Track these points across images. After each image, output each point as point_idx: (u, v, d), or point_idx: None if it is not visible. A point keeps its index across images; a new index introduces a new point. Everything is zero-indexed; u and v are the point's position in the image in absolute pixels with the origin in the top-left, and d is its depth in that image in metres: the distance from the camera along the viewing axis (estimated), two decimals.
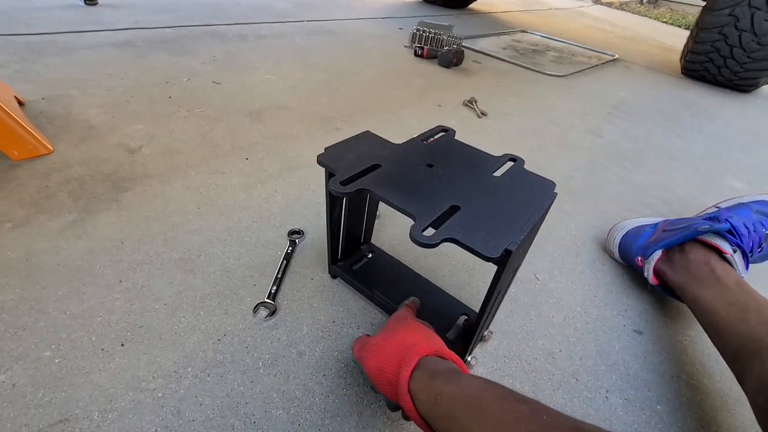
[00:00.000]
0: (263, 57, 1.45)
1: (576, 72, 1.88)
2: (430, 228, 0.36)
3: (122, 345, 0.48)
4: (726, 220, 0.57)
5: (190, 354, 0.48)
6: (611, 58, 2.25)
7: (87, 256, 0.58)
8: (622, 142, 1.23)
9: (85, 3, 1.70)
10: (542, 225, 0.43)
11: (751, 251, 0.57)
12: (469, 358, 0.49)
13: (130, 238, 0.62)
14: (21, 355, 0.45)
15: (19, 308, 0.50)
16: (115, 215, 0.65)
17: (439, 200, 0.39)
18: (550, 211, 0.42)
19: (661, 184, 1.02)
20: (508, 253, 0.34)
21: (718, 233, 0.56)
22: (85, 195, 0.69)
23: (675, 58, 2.53)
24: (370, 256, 0.62)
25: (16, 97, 0.89)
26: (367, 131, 0.50)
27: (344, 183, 0.39)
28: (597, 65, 2.07)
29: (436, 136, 0.51)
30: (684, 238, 0.58)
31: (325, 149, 0.45)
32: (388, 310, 0.55)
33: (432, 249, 0.60)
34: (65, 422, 0.40)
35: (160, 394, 0.43)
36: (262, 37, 1.66)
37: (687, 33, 2.04)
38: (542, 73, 1.78)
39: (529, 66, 1.83)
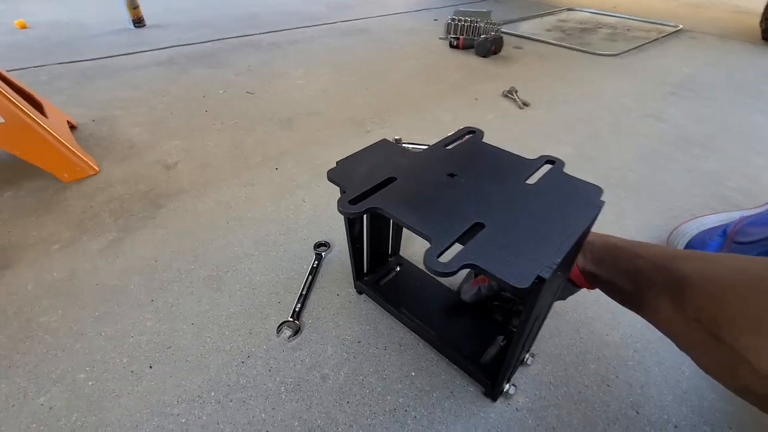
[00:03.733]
0: (296, 63, 1.45)
1: (632, 49, 1.70)
2: (453, 247, 0.32)
3: (150, 367, 0.48)
4: None
5: (214, 377, 0.47)
6: (674, 29, 2.01)
7: (122, 276, 0.59)
8: (689, 126, 1.08)
9: (134, 26, 1.81)
10: (593, 226, 0.36)
11: None
12: (506, 387, 0.44)
13: (162, 256, 0.63)
14: (59, 378, 0.47)
15: (60, 330, 0.52)
16: (150, 233, 0.67)
17: (461, 217, 0.34)
18: (604, 209, 0.36)
19: (741, 172, 0.88)
20: (541, 280, 0.29)
21: None
22: (124, 214, 0.71)
23: (753, 22, 2.21)
24: (398, 269, 0.59)
25: (69, 122, 0.96)
26: (384, 139, 0.46)
27: (354, 201, 0.36)
28: (657, 39, 1.86)
29: (460, 140, 0.46)
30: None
31: (337, 163, 0.42)
32: (417, 330, 0.51)
33: None
34: None
35: (183, 420, 0.43)
36: (295, 42, 1.67)
37: None
38: (592, 53, 1.63)
39: (576, 47, 1.68)
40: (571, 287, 0.43)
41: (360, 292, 0.57)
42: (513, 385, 0.45)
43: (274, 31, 1.81)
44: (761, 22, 1.87)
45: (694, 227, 0.60)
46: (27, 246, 0.64)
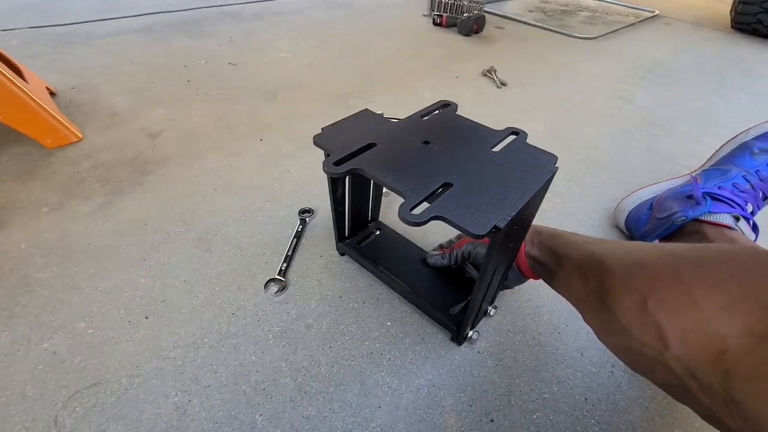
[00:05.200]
0: (279, 35, 1.44)
1: (609, 33, 1.75)
2: (424, 205, 0.36)
3: (146, 318, 0.52)
4: (704, 196, 0.53)
5: (207, 326, 0.51)
6: (650, 14, 2.08)
7: (114, 237, 0.62)
8: (655, 108, 1.15)
9: None
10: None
11: (765, 198, 0.53)
12: (470, 333, 0.50)
13: (152, 220, 0.66)
14: (60, 326, 0.50)
15: (57, 285, 0.55)
16: (138, 198, 0.70)
17: (432, 177, 0.39)
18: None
19: (693, 152, 0.96)
20: (497, 229, 0.34)
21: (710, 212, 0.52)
22: (112, 179, 0.73)
23: (725, 10, 2.30)
24: (377, 233, 0.63)
25: (47, 88, 0.95)
26: (366, 109, 0.50)
27: (338, 163, 0.40)
28: (633, 24, 1.92)
29: (436, 112, 0.51)
30: (666, 232, 0.55)
31: (323, 129, 0.45)
32: (393, 286, 0.56)
33: (443, 226, 0.61)
34: (98, 385, 0.45)
35: (180, 362, 0.47)
36: (278, 14, 1.65)
37: None
38: (570, 36, 1.67)
39: (556, 29, 1.72)
40: (518, 275, 0.49)
41: (342, 254, 0.62)
42: (476, 331, 0.51)
43: (256, 1, 1.77)
44: (731, 11, 1.95)
45: (632, 202, 0.66)
46: (16, 209, 0.66)
